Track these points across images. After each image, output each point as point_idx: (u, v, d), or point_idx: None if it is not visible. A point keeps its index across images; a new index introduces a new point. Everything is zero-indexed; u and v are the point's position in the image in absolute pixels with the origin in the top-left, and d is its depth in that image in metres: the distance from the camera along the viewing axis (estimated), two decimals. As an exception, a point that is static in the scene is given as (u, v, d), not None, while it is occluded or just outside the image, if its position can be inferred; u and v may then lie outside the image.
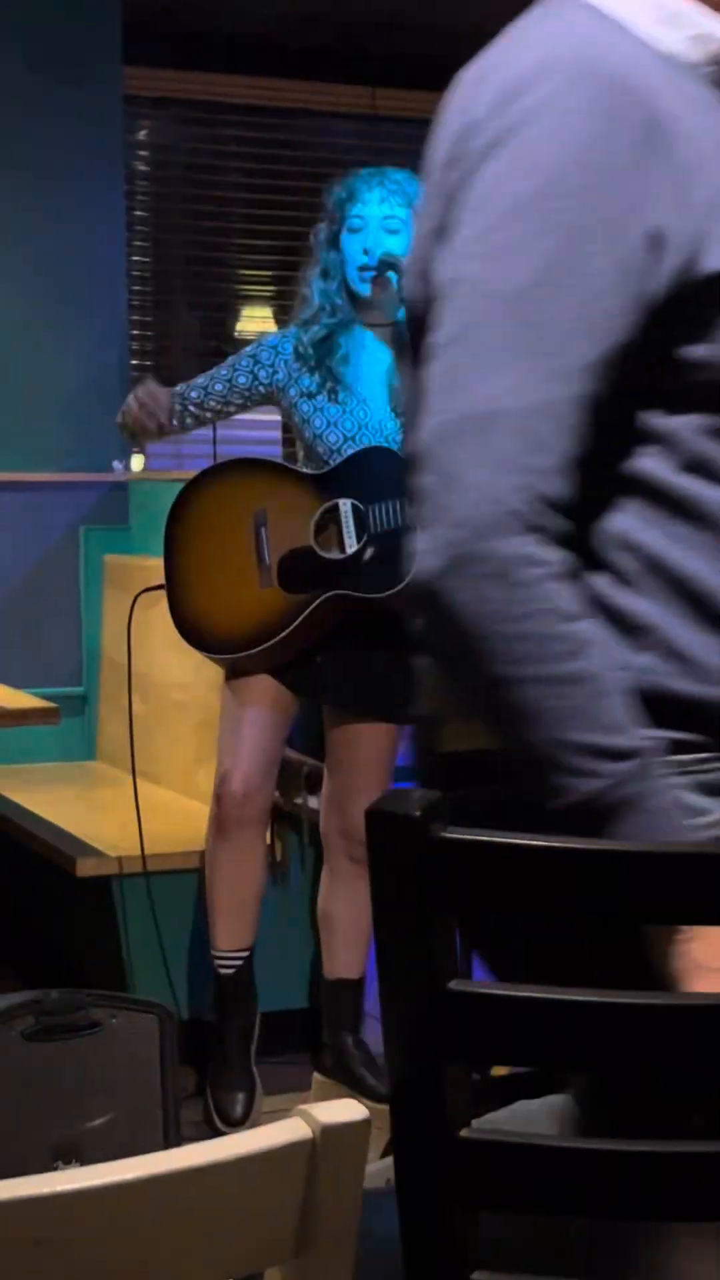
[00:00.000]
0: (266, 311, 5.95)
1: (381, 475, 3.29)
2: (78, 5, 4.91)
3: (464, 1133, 1.19)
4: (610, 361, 1.33)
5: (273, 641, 3.34)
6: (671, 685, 1.37)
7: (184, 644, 3.48)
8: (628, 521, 1.39)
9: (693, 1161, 1.19)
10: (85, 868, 3.68)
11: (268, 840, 3.56)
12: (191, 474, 3.64)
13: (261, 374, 3.47)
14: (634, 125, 1.34)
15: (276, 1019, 3.68)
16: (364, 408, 3.39)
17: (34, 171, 4.91)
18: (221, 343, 5.95)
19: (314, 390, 3.41)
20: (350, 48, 5.81)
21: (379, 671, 3.42)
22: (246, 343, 6.07)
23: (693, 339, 1.37)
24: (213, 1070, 3.50)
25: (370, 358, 3.44)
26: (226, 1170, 1.04)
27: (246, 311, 6.05)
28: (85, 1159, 2.74)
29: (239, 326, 6.02)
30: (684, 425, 1.38)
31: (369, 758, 3.46)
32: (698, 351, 1.37)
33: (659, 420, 1.38)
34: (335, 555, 3.32)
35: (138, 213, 5.76)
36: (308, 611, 3.33)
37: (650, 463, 1.39)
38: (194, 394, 3.54)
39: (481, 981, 1.20)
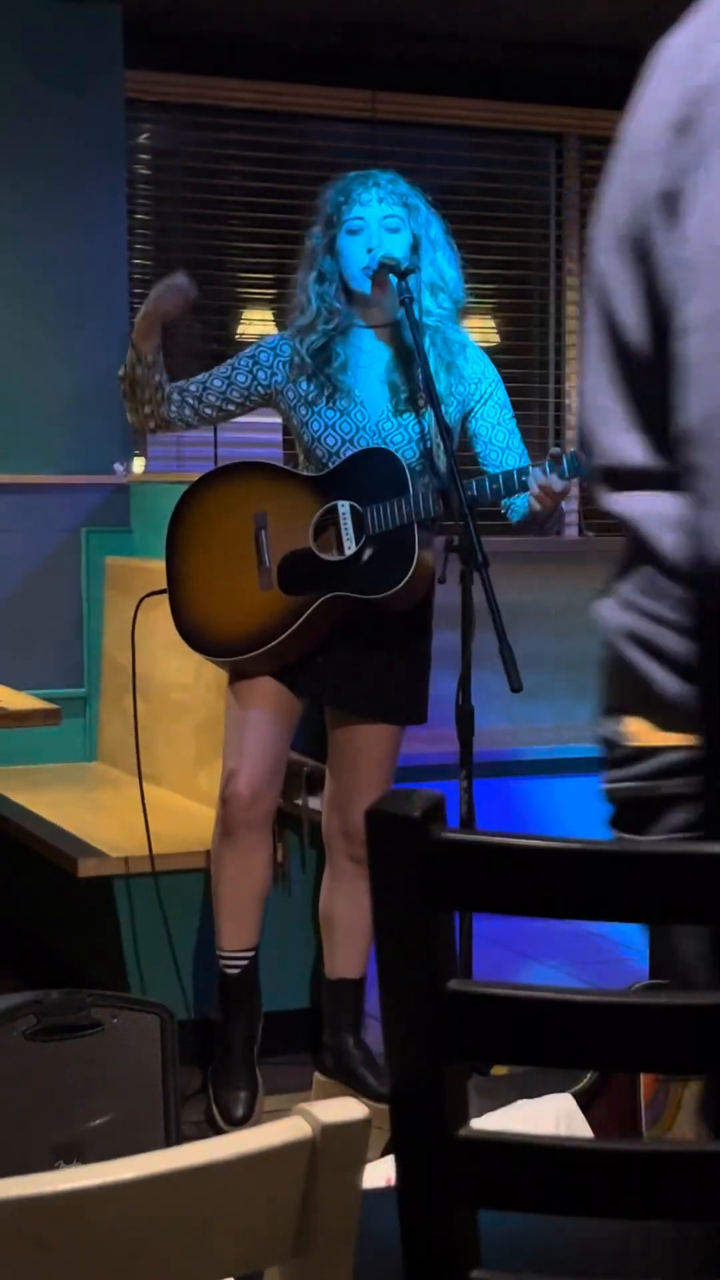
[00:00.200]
0: (267, 314, 5.96)
1: (379, 477, 3.30)
2: (79, 9, 4.92)
3: (463, 1132, 1.20)
4: None
5: (273, 643, 3.35)
6: None
7: (185, 645, 3.49)
8: None
9: (692, 1161, 1.19)
10: (87, 868, 3.68)
11: (272, 842, 3.56)
12: (192, 476, 3.65)
13: (261, 375, 3.48)
14: None
15: (277, 1019, 3.68)
16: (362, 411, 3.40)
17: (36, 175, 4.92)
18: (222, 346, 5.96)
19: (313, 397, 3.41)
20: (351, 52, 5.82)
21: (381, 673, 3.43)
22: (247, 345, 6.09)
23: None
24: (215, 1069, 3.50)
25: (368, 359, 3.44)
26: (226, 1169, 1.04)
27: (247, 314, 6.05)
28: (86, 1158, 2.74)
29: (240, 329, 6.02)
30: None
31: (371, 758, 3.47)
32: None
33: None
34: (334, 557, 3.33)
35: (139, 216, 5.76)
36: (307, 613, 3.33)
37: None
38: (193, 387, 3.53)
39: (481, 981, 1.21)
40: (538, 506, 3.20)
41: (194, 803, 4.07)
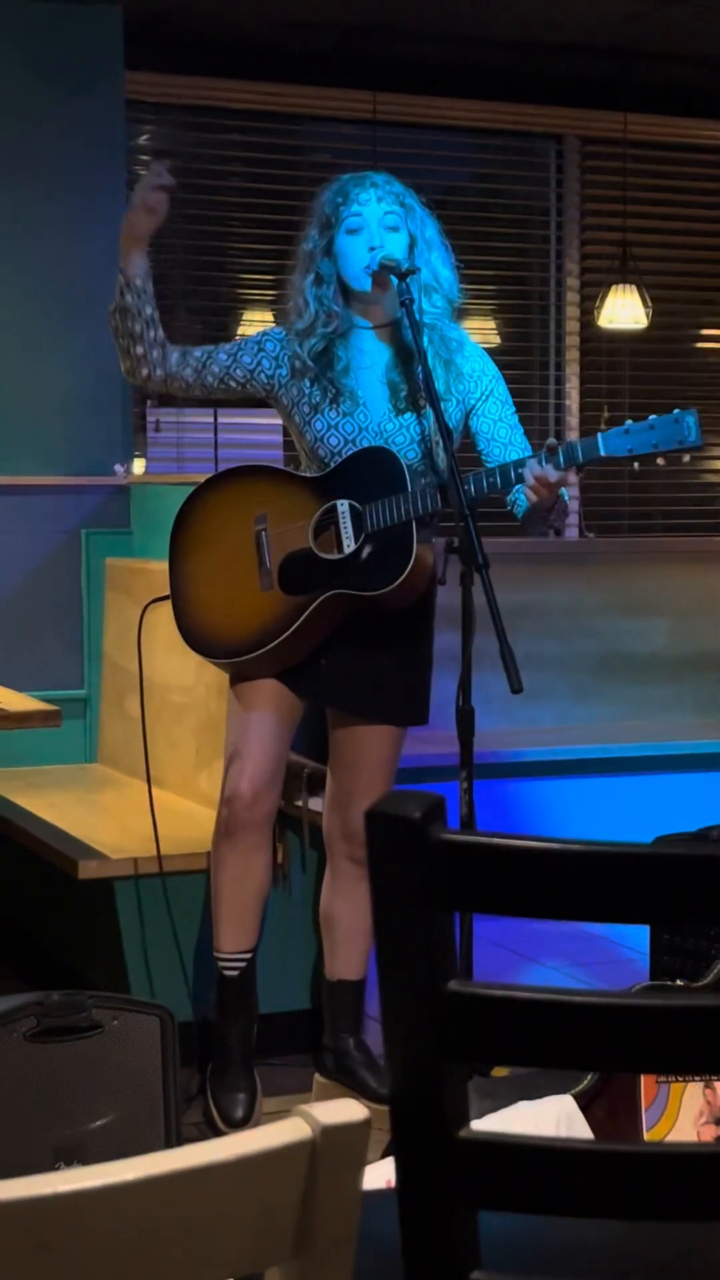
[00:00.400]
0: (267, 315, 5.97)
1: (379, 475, 3.30)
2: (80, 10, 4.92)
3: (463, 1133, 1.20)
4: None
5: (274, 644, 3.35)
6: None
7: (185, 647, 3.49)
8: None
9: (691, 1162, 1.19)
10: (87, 870, 3.68)
11: (273, 843, 3.56)
12: (193, 477, 3.65)
13: (266, 363, 3.46)
14: None
15: (278, 1020, 3.68)
16: (364, 412, 3.40)
17: (36, 176, 4.92)
18: (223, 346, 5.96)
19: (317, 400, 3.41)
20: (351, 53, 5.82)
21: (382, 674, 3.43)
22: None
23: None
24: (214, 1071, 3.50)
25: (369, 360, 3.44)
26: (227, 1170, 1.04)
27: (247, 316, 6.06)
28: (87, 1159, 2.74)
29: (240, 330, 6.03)
30: None
31: (372, 759, 3.47)
32: None
33: None
34: (333, 556, 3.33)
35: (139, 217, 5.75)
36: (308, 613, 3.33)
37: None
38: (198, 353, 3.49)
39: (481, 982, 1.21)
40: (534, 497, 3.19)
41: (194, 804, 4.07)
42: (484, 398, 3.42)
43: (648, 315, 6.25)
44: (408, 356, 3.41)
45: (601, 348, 6.47)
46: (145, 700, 3.94)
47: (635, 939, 4.34)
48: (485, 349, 3.55)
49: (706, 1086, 2.65)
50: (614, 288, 6.25)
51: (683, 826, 3.70)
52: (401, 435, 3.38)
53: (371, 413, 3.40)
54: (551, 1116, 2.40)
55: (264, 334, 3.51)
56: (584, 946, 4.66)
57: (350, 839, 3.50)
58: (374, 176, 3.43)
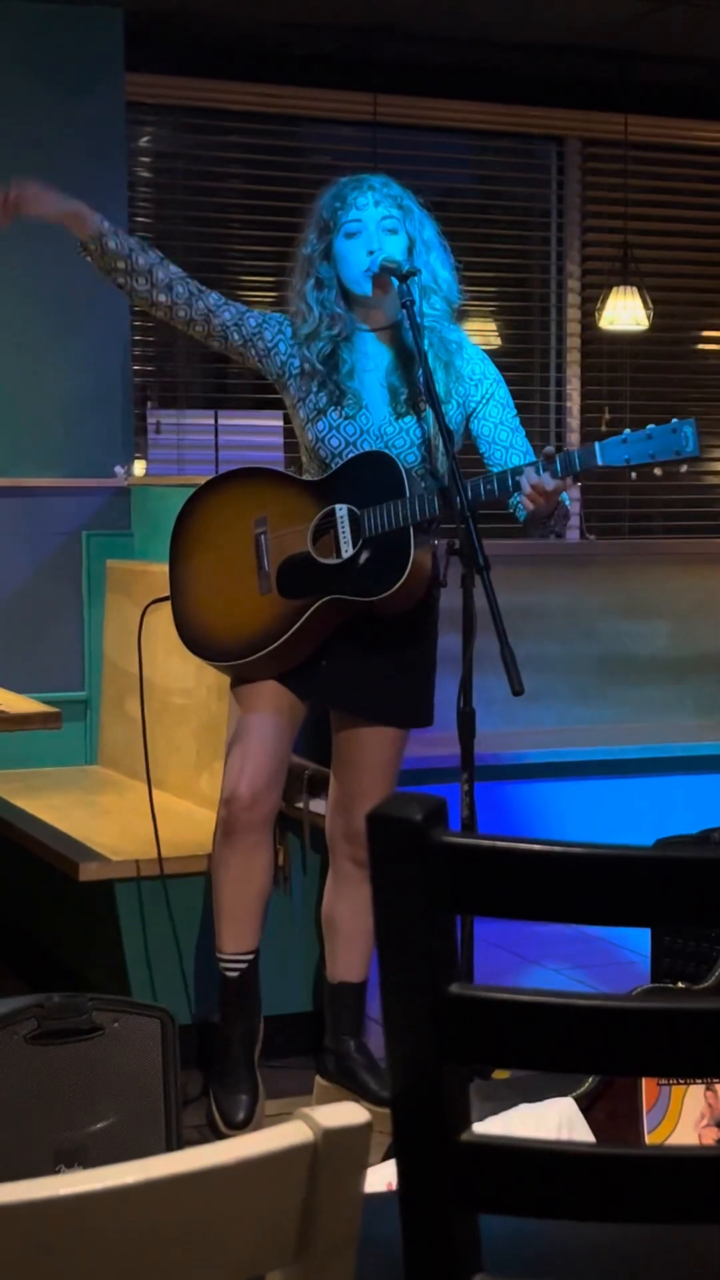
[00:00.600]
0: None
1: (377, 480, 3.30)
2: (80, 12, 4.92)
3: (464, 1136, 1.20)
4: None
5: (271, 648, 3.35)
6: None
7: (186, 649, 3.49)
8: None
9: (692, 1165, 1.19)
10: (87, 872, 3.68)
11: (274, 845, 3.56)
12: (193, 479, 3.65)
13: (283, 345, 3.44)
14: None
15: (279, 1022, 3.68)
16: (366, 415, 3.40)
17: (36, 177, 4.91)
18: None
19: (324, 404, 3.41)
20: (352, 54, 5.82)
21: (385, 676, 3.43)
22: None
23: None
24: (216, 1073, 3.50)
25: (371, 363, 3.44)
26: (228, 1173, 1.04)
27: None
28: (87, 1162, 2.74)
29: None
30: None
31: (375, 762, 3.47)
32: None
33: None
34: (332, 560, 3.33)
35: (140, 219, 5.76)
36: (305, 617, 3.33)
37: None
38: (212, 298, 3.51)
39: (482, 985, 1.21)
40: (530, 506, 3.19)
41: (195, 806, 4.07)
42: (484, 400, 3.42)
43: (649, 317, 6.25)
44: (408, 359, 3.41)
45: (602, 349, 6.47)
46: (146, 702, 3.94)
47: (636, 941, 4.34)
48: (486, 351, 3.55)
49: (708, 1089, 2.65)
50: (615, 289, 6.25)
51: (684, 828, 3.70)
52: (402, 439, 3.38)
53: (373, 416, 3.40)
54: (553, 1119, 2.40)
55: (284, 321, 3.49)
56: (585, 949, 4.66)
57: (352, 841, 3.50)
58: (371, 179, 3.42)
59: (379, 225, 3.36)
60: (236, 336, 3.48)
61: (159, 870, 3.64)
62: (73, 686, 4.87)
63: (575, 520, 6.33)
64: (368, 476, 3.32)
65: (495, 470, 3.35)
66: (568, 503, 3.32)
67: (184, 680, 4.14)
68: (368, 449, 3.37)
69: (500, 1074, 2.74)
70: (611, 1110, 2.61)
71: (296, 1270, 1.10)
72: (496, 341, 6.38)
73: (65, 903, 4.08)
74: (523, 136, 6.33)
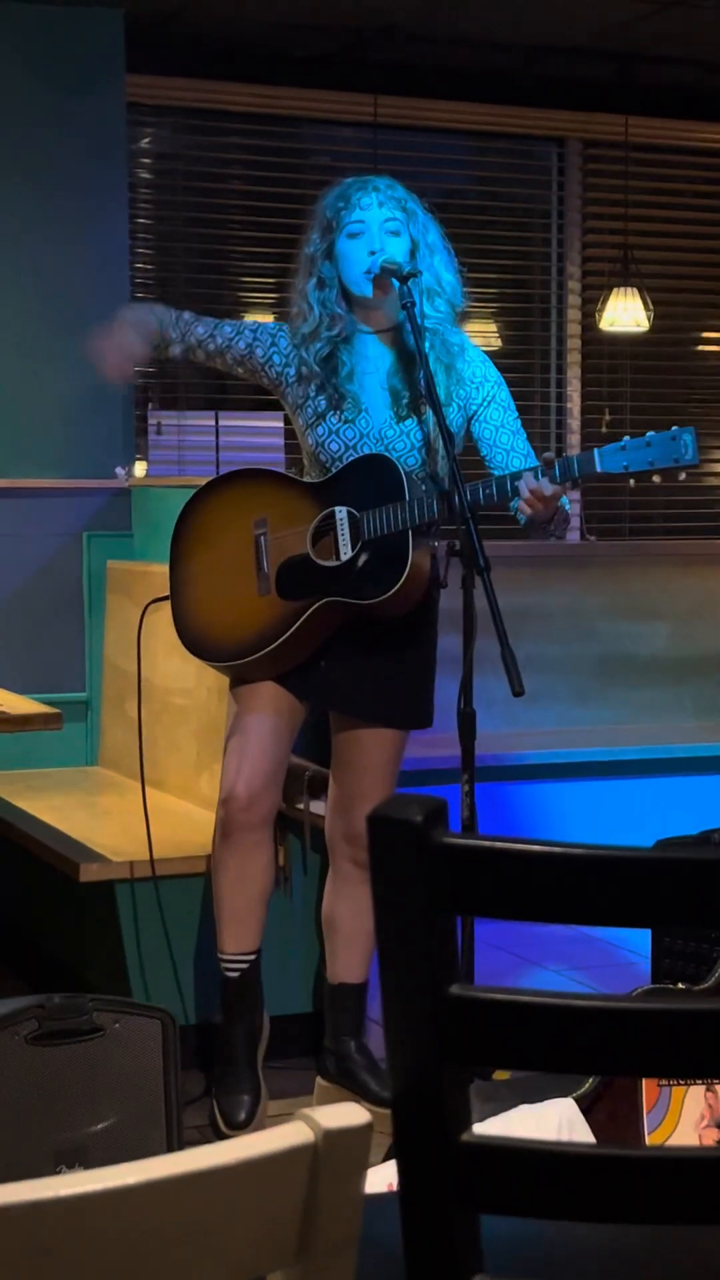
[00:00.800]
0: (268, 318, 5.96)
1: (377, 483, 3.30)
2: (81, 13, 4.92)
3: (465, 1137, 1.20)
4: None
5: (270, 648, 3.35)
6: None
7: (185, 649, 3.49)
8: None
9: (693, 1166, 1.19)
10: (88, 873, 3.68)
11: (273, 846, 3.56)
12: (194, 480, 3.65)
13: (276, 357, 3.47)
14: None
15: (279, 1023, 3.68)
16: (366, 418, 3.40)
17: (37, 179, 4.92)
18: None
19: (323, 409, 3.41)
20: (352, 56, 5.83)
21: (385, 677, 3.43)
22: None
23: None
24: (218, 1074, 3.50)
25: (372, 366, 3.44)
26: (229, 1174, 1.04)
27: (248, 318, 6.06)
28: (88, 1163, 2.74)
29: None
30: None
31: (374, 763, 3.47)
32: None
33: None
34: (330, 563, 3.33)
35: (141, 220, 5.77)
36: (302, 619, 3.34)
37: None
38: (200, 329, 3.54)
39: (483, 986, 1.21)
40: (529, 511, 3.20)
41: (195, 807, 4.07)
42: (485, 403, 3.42)
43: (649, 318, 6.26)
44: (409, 361, 3.41)
45: (603, 351, 6.47)
46: (147, 703, 3.94)
47: (636, 942, 4.34)
48: (486, 352, 3.55)
49: (708, 1090, 2.65)
50: (615, 291, 6.25)
51: (684, 829, 3.70)
52: (402, 442, 3.38)
53: (373, 419, 3.40)
54: (553, 1120, 2.40)
55: (280, 328, 3.51)
56: (585, 950, 4.66)
57: (352, 842, 3.50)
58: (376, 181, 3.43)
59: (382, 226, 3.36)
60: (230, 360, 3.52)
61: (151, 872, 3.64)
62: (74, 687, 4.87)
63: (576, 521, 6.33)
64: (368, 479, 3.32)
65: (496, 473, 3.35)
66: (568, 507, 3.32)
67: (184, 681, 4.14)
68: (367, 452, 3.37)
69: (500, 1075, 2.74)
70: (612, 1111, 2.62)
71: (297, 1271, 1.10)
72: (497, 343, 6.38)
73: (66, 903, 4.08)
74: (523, 138, 6.34)
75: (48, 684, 4.73)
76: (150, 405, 5.78)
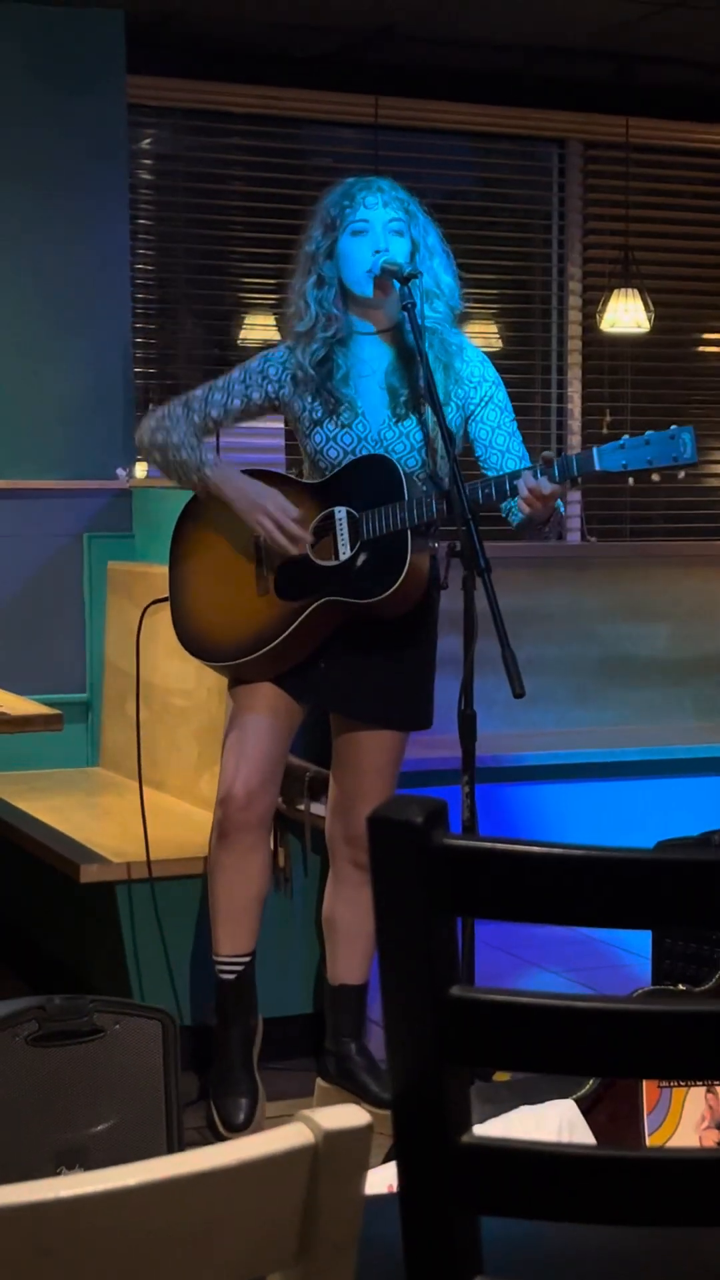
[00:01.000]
0: (270, 319, 5.96)
1: (377, 483, 3.30)
2: (81, 14, 4.92)
3: (465, 1138, 1.20)
4: None
5: (268, 648, 3.35)
6: None
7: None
8: None
9: (693, 1168, 1.19)
10: (89, 874, 3.68)
11: (271, 846, 3.56)
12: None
13: (270, 388, 3.47)
14: None
15: (280, 1024, 3.68)
16: (363, 422, 3.39)
17: (38, 180, 4.92)
18: (224, 351, 5.96)
19: (319, 415, 3.41)
20: (353, 57, 5.83)
21: (385, 678, 3.43)
22: (250, 351, 6.05)
23: None
24: (214, 1076, 3.50)
25: (368, 368, 3.44)
26: (229, 1175, 1.04)
27: (250, 320, 6.06)
28: (88, 1164, 2.74)
29: (242, 335, 6.03)
30: None
31: (374, 764, 3.47)
32: None
33: None
34: (329, 562, 3.33)
35: (141, 221, 5.77)
36: (301, 619, 3.34)
37: None
38: (215, 412, 3.51)
39: (483, 987, 1.21)
40: (527, 509, 3.19)
41: (195, 808, 4.07)
42: (483, 403, 3.42)
43: (650, 319, 6.25)
44: (406, 360, 3.41)
45: (603, 352, 6.47)
46: (147, 703, 3.94)
47: (637, 944, 4.34)
48: (487, 353, 3.55)
49: (709, 1091, 2.65)
50: (616, 292, 6.25)
51: (685, 831, 3.70)
52: (401, 443, 3.38)
53: (370, 422, 3.39)
54: (553, 1121, 2.40)
55: (265, 360, 3.50)
56: (585, 951, 4.66)
57: (353, 843, 3.50)
58: (380, 181, 3.43)
59: (386, 227, 3.36)
60: (243, 418, 3.52)
61: (148, 873, 3.63)
62: (74, 688, 4.87)
63: (576, 523, 6.33)
64: (367, 479, 3.32)
65: (490, 474, 3.35)
66: (562, 509, 3.32)
67: (184, 682, 4.14)
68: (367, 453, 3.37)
69: (501, 1076, 2.74)
70: (612, 1112, 2.62)
71: (297, 1272, 1.10)
72: (498, 344, 6.38)
73: (66, 904, 4.08)
74: (524, 139, 6.34)
75: (48, 685, 4.73)
76: (151, 406, 5.78)
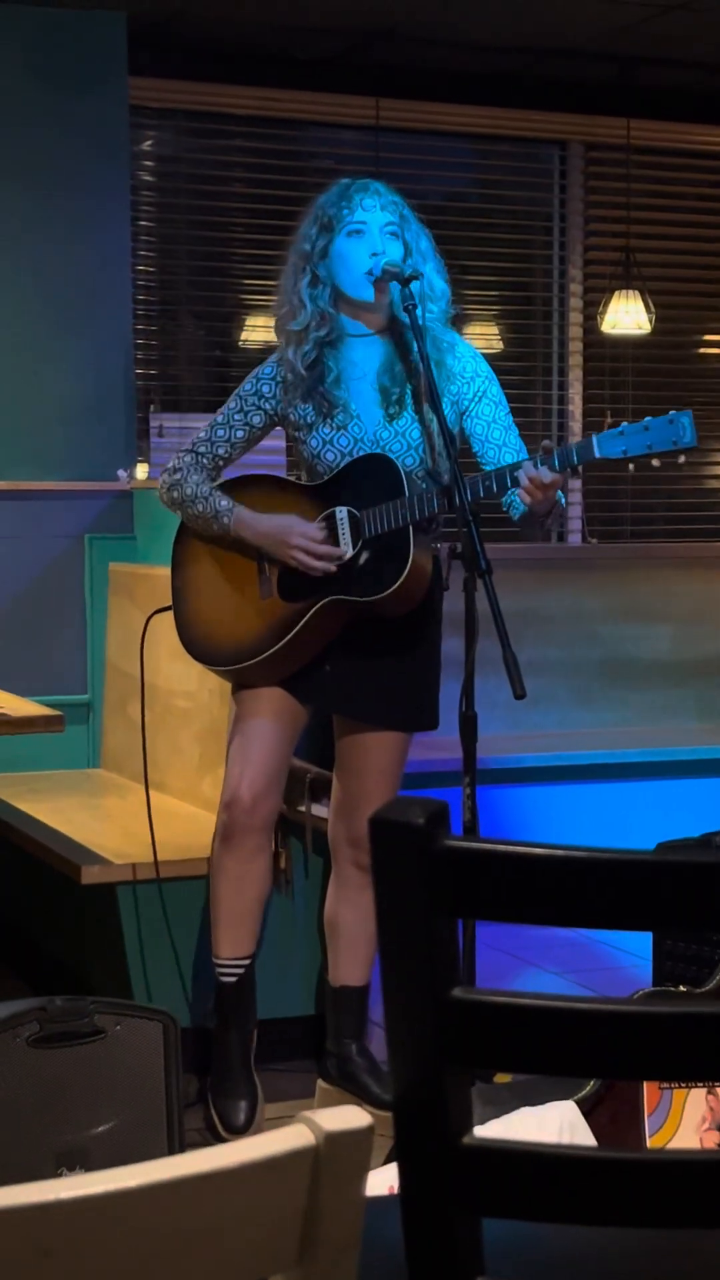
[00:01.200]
0: (270, 321, 5.95)
1: (376, 481, 3.30)
2: (83, 16, 4.93)
3: (466, 1140, 1.20)
4: None
5: (272, 651, 3.35)
6: None
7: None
8: None
9: (694, 1169, 1.19)
10: (90, 875, 3.68)
11: (273, 849, 3.56)
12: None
13: (267, 406, 3.47)
14: None
15: (281, 1026, 3.68)
16: (358, 424, 3.39)
17: (40, 181, 4.93)
18: (225, 352, 5.97)
19: (311, 419, 3.41)
20: (354, 59, 5.83)
21: (388, 680, 3.43)
22: (250, 352, 6.06)
23: None
24: (214, 1078, 3.50)
25: (359, 370, 3.43)
26: (230, 1177, 1.04)
27: (250, 321, 6.06)
28: (89, 1165, 2.74)
29: (243, 336, 6.03)
30: None
31: (378, 766, 3.47)
32: None
33: None
34: (331, 562, 3.33)
35: (143, 222, 5.77)
36: (305, 619, 3.34)
37: None
38: (221, 450, 3.51)
39: (484, 989, 1.21)
40: (529, 500, 3.19)
41: (198, 809, 4.07)
42: (477, 399, 3.42)
43: (651, 321, 6.26)
44: (399, 357, 3.41)
45: (605, 353, 6.47)
46: (149, 706, 3.94)
47: (638, 945, 4.34)
48: (488, 355, 3.55)
49: (709, 1093, 2.65)
50: (617, 293, 6.26)
51: (686, 832, 3.70)
52: (398, 443, 3.38)
53: (365, 424, 3.39)
54: (554, 1123, 2.40)
55: (257, 379, 3.50)
56: (586, 953, 4.66)
57: (355, 845, 3.50)
58: (375, 184, 3.43)
59: (382, 229, 3.37)
60: (251, 444, 3.51)
61: (155, 874, 3.64)
62: (75, 690, 4.87)
63: (577, 524, 6.33)
64: (367, 478, 3.32)
65: (487, 469, 3.35)
66: (563, 501, 3.32)
67: (187, 684, 4.14)
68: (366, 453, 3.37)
69: (502, 1077, 2.74)
70: (613, 1114, 2.61)
71: (298, 1273, 1.10)
72: (499, 345, 6.38)
73: (67, 906, 4.08)
74: (525, 141, 6.34)
75: (49, 686, 4.73)
76: (152, 408, 5.78)
